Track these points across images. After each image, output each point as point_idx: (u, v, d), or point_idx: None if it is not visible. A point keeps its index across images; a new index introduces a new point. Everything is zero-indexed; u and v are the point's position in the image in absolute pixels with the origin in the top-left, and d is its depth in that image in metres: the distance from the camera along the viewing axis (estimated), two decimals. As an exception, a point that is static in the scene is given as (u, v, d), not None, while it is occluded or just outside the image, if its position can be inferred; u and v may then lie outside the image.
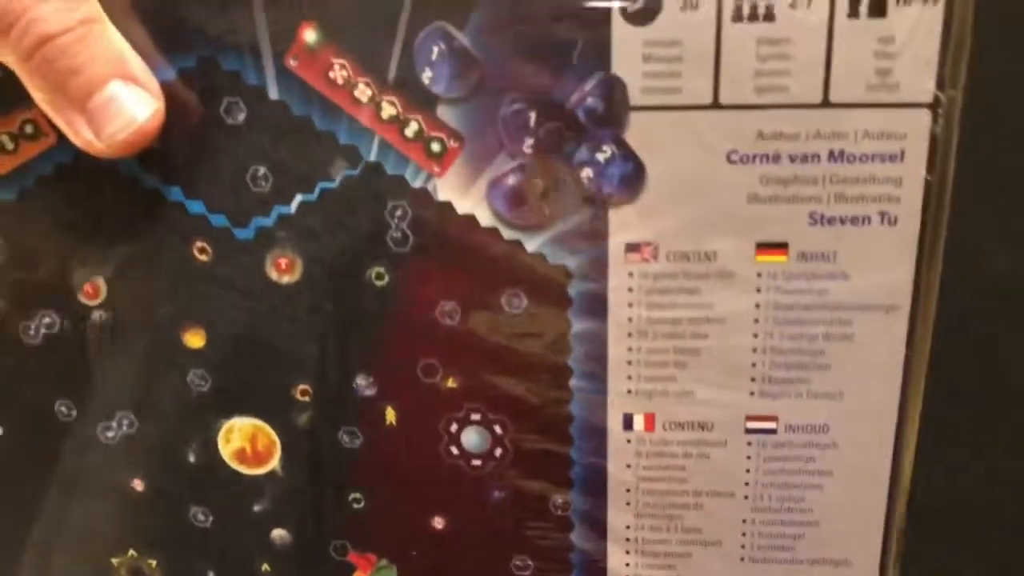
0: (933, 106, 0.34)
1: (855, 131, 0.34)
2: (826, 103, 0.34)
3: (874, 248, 0.36)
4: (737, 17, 0.33)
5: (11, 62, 0.33)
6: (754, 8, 0.33)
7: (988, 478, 0.40)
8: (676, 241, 0.36)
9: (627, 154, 0.35)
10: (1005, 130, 0.35)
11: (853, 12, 0.33)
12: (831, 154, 0.35)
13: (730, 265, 0.36)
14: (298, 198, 0.36)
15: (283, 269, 0.37)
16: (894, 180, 0.35)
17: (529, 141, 0.35)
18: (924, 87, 0.34)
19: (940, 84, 0.33)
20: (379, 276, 0.37)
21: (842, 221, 0.35)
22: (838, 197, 0.35)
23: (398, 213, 0.36)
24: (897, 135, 0.34)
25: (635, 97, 0.34)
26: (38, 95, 0.33)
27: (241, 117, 0.36)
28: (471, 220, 0.36)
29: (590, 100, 0.34)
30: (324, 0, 0.34)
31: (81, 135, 0.34)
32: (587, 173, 0.35)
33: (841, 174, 0.35)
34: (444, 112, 0.35)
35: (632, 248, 0.36)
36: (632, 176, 0.35)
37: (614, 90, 0.34)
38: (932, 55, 0.33)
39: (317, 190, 0.36)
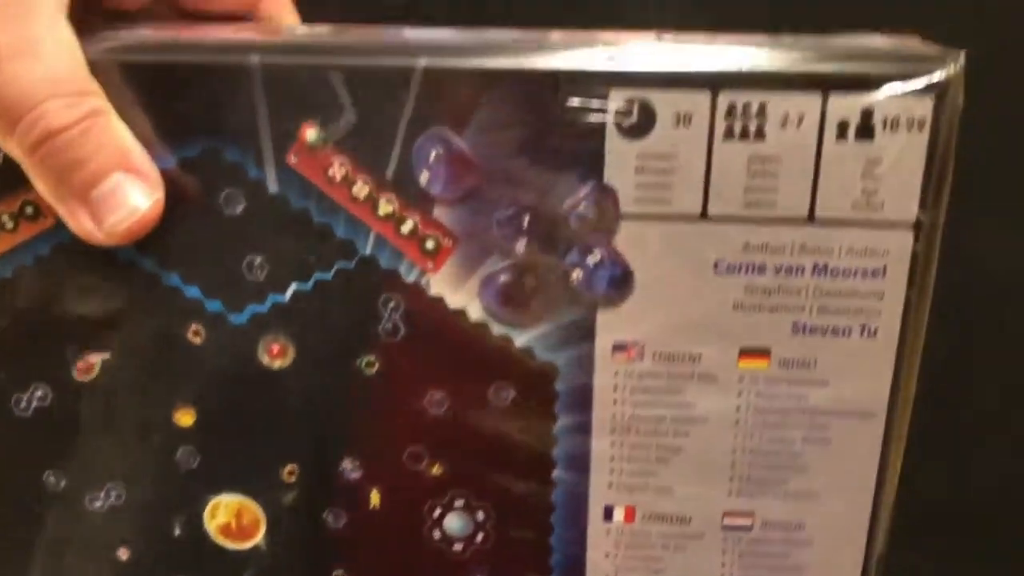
0: (916, 226, 0.35)
1: (840, 247, 0.35)
2: (812, 219, 0.35)
3: (854, 358, 0.37)
4: (728, 134, 0.34)
5: (16, 155, 0.33)
6: (745, 127, 0.34)
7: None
8: (662, 343, 0.37)
9: (616, 259, 0.36)
10: (980, 249, 0.36)
11: (841, 135, 0.34)
12: (815, 267, 0.36)
13: (713, 368, 0.37)
14: (293, 287, 0.37)
15: (275, 354, 0.38)
16: (876, 295, 0.36)
17: (522, 242, 0.36)
18: (908, 208, 0.35)
19: (923, 205, 0.34)
20: (369, 364, 0.38)
21: (824, 331, 0.36)
22: (821, 309, 0.36)
23: (391, 305, 0.37)
24: (880, 252, 0.35)
25: (626, 206, 0.35)
26: (40, 185, 0.34)
27: (240, 208, 0.36)
28: (462, 315, 0.37)
29: (583, 207, 0.35)
30: (326, 102, 0.35)
31: (82, 225, 0.34)
32: (577, 275, 0.36)
33: (824, 287, 0.36)
34: (440, 212, 0.36)
35: (619, 348, 0.37)
36: (620, 280, 0.36)
37: (606, 198, 0.35)
38: (916, 178, 0.34)
39: (312, 280, 0.37)
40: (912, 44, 0.35)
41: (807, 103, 0.34)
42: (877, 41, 0.36)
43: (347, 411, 0.39)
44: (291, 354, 0.38)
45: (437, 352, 0.38)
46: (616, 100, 0.34)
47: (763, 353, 0.37)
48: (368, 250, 0.36)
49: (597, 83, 0.34)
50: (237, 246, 0.37)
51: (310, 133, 0.35)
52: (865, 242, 0.35)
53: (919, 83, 0.33)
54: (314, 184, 0.36)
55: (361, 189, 0.36)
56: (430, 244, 0.36)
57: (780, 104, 0.34)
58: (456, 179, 0.35)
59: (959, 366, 0.38)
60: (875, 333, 0.36)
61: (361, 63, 0.35)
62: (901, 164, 0.34)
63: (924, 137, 0.34)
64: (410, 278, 0.37)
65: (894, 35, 0.37)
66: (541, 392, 0.38)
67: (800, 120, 0.34)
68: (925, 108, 0.33)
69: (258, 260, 0.37)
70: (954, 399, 0.38)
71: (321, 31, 0.39)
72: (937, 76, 0.33)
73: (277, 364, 0.38)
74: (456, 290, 0.37)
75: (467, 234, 0.36)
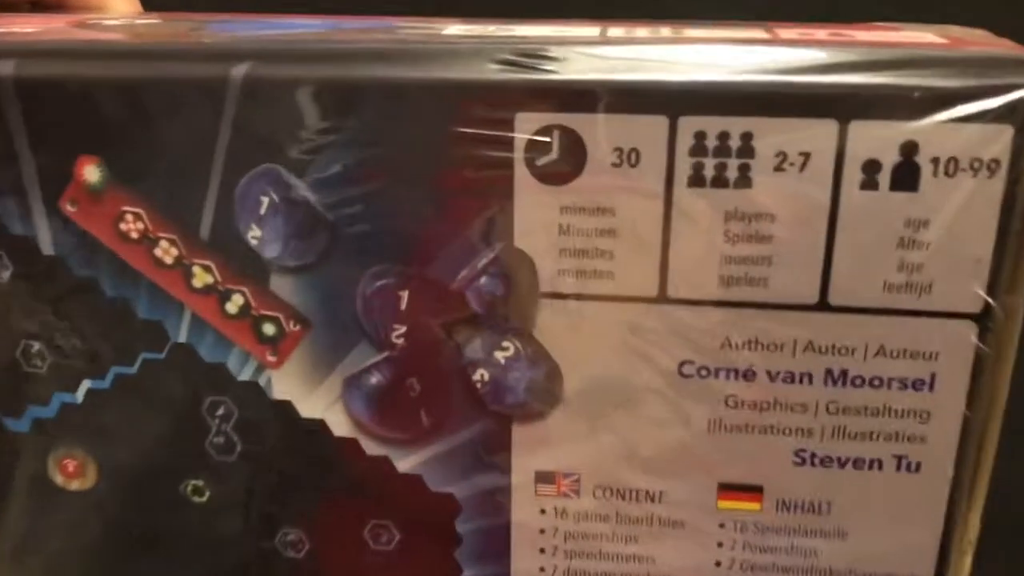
0: (980, 317, 0.23)
1: (865, 345, 0.24)
2: (824, 305, 0.23)
3: (885, 501, 0.25)
4: (696, 181, 0.23)
5: None
6: (721, 169, 0.22)
7: None
8: (606, 473, 0.26)
9: (537, 354, 0.25)
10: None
11: (869, 182, 0.22)
12: (829, 374, 0.24)
13: (681, 511, 0.26)
14: (86, 384, 0.26)
15: (71, 473, 0.27)
16: (919, 414, 0.24)
17: (399, 329, 0.25)
18: (969, 291, 0.23)
19: (992, 288, 0.23)
20: (197, 491, 0.27)
21: (841, 463, 0.25)
22: (837, 431, 0.24)
23: (219, 412, 0.26)
24: (926, 354, 0.23)
25: (547, 280, 0.24)
26: None
27: (6, 275, 0.25)
28: (320, 428, 0.26)
29: (484, 280, 0.24)
30: (111, 128, 0.24)
31: None
32: (482, 375, 0.25)
33: (842, 401, 0.24)
34: (280, 284, 0.25)
35: (544, 478, 0.26)
36: (543, 383, 0.25)
37: (518, 269, 0.24)
38: (983, 245, 0.22)
39: (110, 375, 0.26)
40: (978, 43, 0.24)
41: (816, 134, 0.22)
42: (922, 37, 0.24)
43: (169, 551, 0.28)
44: (92, 473, 0.27)
45: (288, 478, 0.27)
46: (526, 127, 0.23)
47: (753, 491, 0.25)
48: (182, 336, 0.26)
49: (498, 102, 0.23)
50: (8, 328, 0.26)
51: (90, 171, 0.24)
52: (903, 340, 0.23)
53: (991, 103, 0.21)
54: (101, 242, 0.25)
55: (167, 251, 0.25)
56: (269, 329, 0.25)
57: (774, 135, 0.22)
58: (299, 237, 0.24)
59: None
60: (918, 468, 0.24)
61: (156, 73, 0.24)
62: (961, 225, 0.22)
63: (998, 185, 0.22)
64: (244, 375, 0.26)
65: (949, 29, 0.25)
66: (437, 535, 0.27)
67: (805, 160, 0.22)
68: (1001, 142, 0.22)
69: (36, 347, 0.26)
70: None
71: (136, 26, 0.28)
72: (1021, 92, 0.21)
73: (75, 485, 0.28)
74: (309, 393, 0.26)
75: (321, 315, 0.25)
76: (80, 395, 0.27)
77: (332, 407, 0.26)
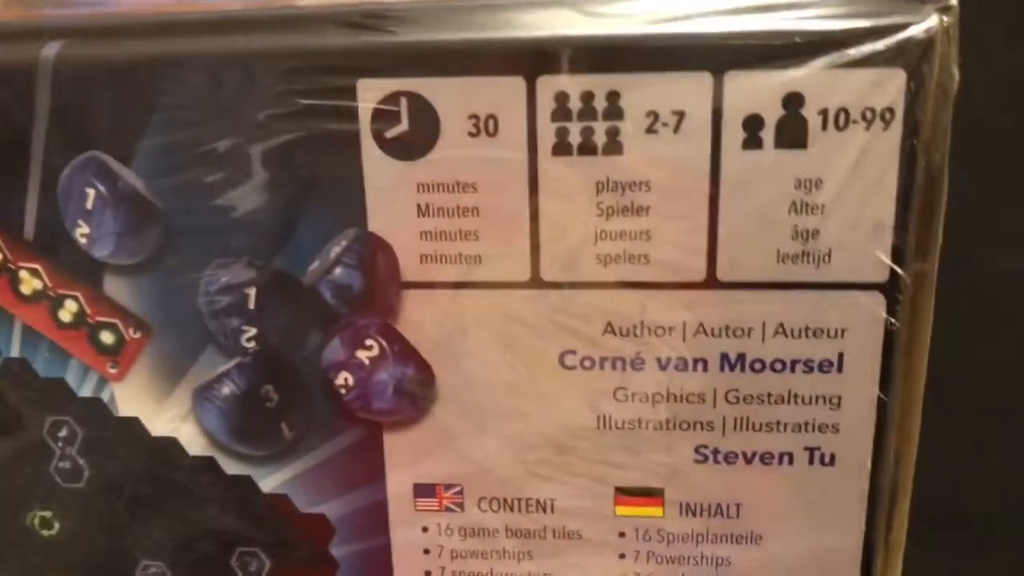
0: (888, 288, 0.21)
1: (762, 324, 0.21)
2: (713, 282, 0.21)
3: (800, 500, 0.22)
4: (561, 148, 0.20)
5: None
6: (588, 135, 0.20)
7: None
8: (491, 482, 0.23)
9: (404, 352, 0.22)
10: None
11: (752, 140, 0.20)
12: (725, 359, 0.21)
13: (577, 520, 0.23)
14: (-87, 408, 0.24)
15: (-95, 509, 0.25)
16: (828, 399, 0.22)
17: (249, 331, 0.22)
18: (872, 258, 0.20)
19: (898, 254, 0.20)
20: (45, 523, 0.24)
21: (747, 459, 0.22)
22: (739, 423, 0.22)
23: (62, 434, 0.24)
24: (831, 332, 0.21)
25: (409, 268, 0.21)
26: None
27: None
28: (173, 446, 0.23)
29: (339, 272, 0.22)
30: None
31: None
32: (345, 379, 0.22)
33: (743, 389, 0.22)
34: (115, 286, 0.22)
35: (424, 491, 0.23)
36: (413, 385, 0.22)
37: (374, 257, 0.21)
38: (884, 208, 0.20)
39: (-62, 397, 0.24)
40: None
41: (689, 89, 0.20)
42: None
43: (21, 592, 0.25)
44: (-72, 509, 0.25)
45: (144, 505, 0.24)
46: (369, 95, 0.20)
47: (653, 495, 0.23)
48: (14, 349, 0.23)
49: (336, 68, 0.20)
50: None
51: None
52: (805, 316, 0.21)
53: (880, 45, 0.19)
54: (-84, 250, 0.22)
55: (-11, 255, 0.22)
56: (107, 337, 0.23)
57: (643, 92, 0.20)
58: (130, 232, 0.22)
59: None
60: (832, 461, 0.22)
61: (-41, 53, 0.21)
62: (858, 184, 0.20)
63: (894, 137, 0.20)
64: (84, 390, 0.23)
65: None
66: (311, 562, 0.24)
67: (680, 119, 0.20)
68: (893, 88, 0.19)
69: None
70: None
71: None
72: (915, 30, 0.19)
73: (-89, 523, 0.25)
74: (158, 408, 0.23)
75: (163, 319, 0.22)
76: (-93, 421, 0.24)
77: (184, 423, 0.23)
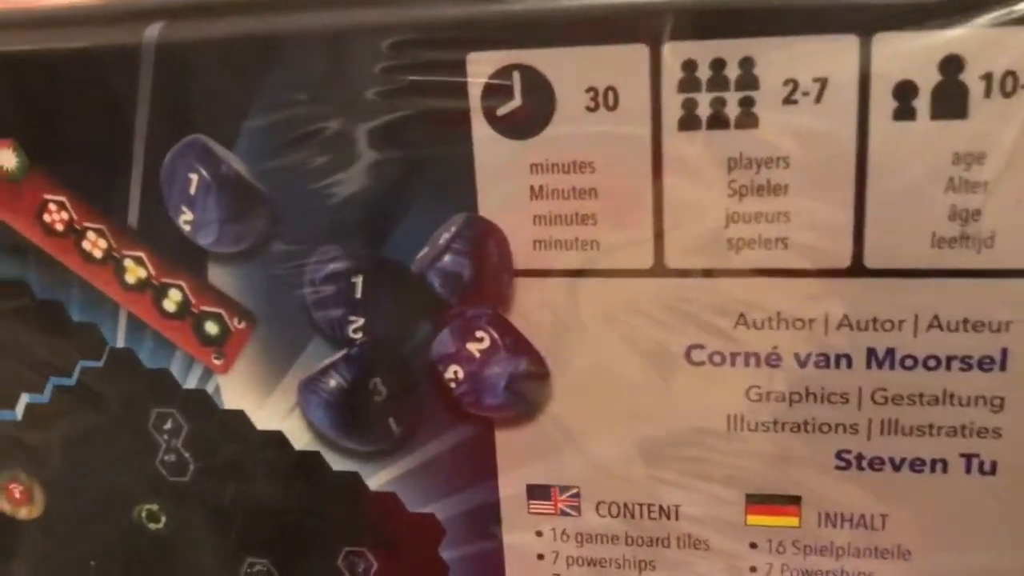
0: (1062, 275, 0.18)
1: (914, 316, 0.19)
2: (859, 269, 0.19)
3: (954, 512, 0.20)
4: (689, 122, 0.19)
5: None
6: (719, 106, 0.18)
7: None
8: (610, 485, 0.21)
9: (517, 344, 0.21)
10: None
11: (904, 111, 0.18)
12: (872, 355, 0.19)
13: (704, 528, 0.21)
14: (24, 399, 0.24)
15: (18, 500, 0.25)
16: (989, 400, 0.19)
17: (356, 321, 0.21)
18: (1044, 241, 0.18)
19: (1076, 236, 0.18)
20: (152, 516, 0.24)
21: (895, 466, 0.20)
22: (887, 426, 0.20)
23: (167, 427, 0.23)
24: (993, 325, 0.19)
25: (522, 255, 0.20)
26: None
27: (-73, 279, 0.23)
28: (279, 440, 0.23)
29: (448, 259, 0.20)
30: (23, 106, 0.21)
31: None
32: (455, 372, 0.21)
33: (892, 388, 0.20)
34: (219, 275, 0.22)
35: (538, 493, 0.22)
36: (527, 379, 0.21)
37: (484, 243, 0.20)
38: (1060, 183, 0.18)
39: (48, 388, 0.23)
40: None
41: (833, 54, 0.18)
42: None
43: (130, 586, 0.25)
44: (39, 499, 0.24)
45: (250, 501, 0.23)
46: (479, 70, 0.19)
47: (789, 503, 0.21)
48: (120, 340, 0.23)
49: (443, 42, 0.19)
50: (-64, 337, 0.24)
51: (5, 156, 0.22)
52: (963, 307, 0.19)
53: (1057, -2, 0.17)
54: (24, 237, 0.22)
55: (95, 243, 0.22)
56: (211, 328, 0.22)
57: (781, 58, 0.18)
58: (235, 219, 0.21)
59: None
60: (993, 469, 0.20)
61: (65, 41, 0.21)
62: (1027, 158, 0.18)
63: (1073, 104, 0.17)
64: (189, 382, 0.23)
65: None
66: (420, 564, 0.23)
67: (822, 88, 0.18)
68: (1072, 47, 0.17)
69: (-33, 359, 0.24)
70: None
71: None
72: (1095, -17, 0.17)
73: (24, 513, 0.25)
74: (263, 401, 0.22)
75: (268, 309, 0.22)
76: (19, 411, 0.24)
77: (290, 416, 0.22)
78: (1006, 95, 0.17)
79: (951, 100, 0.18)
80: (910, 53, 0.17)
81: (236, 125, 0.20)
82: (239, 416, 0.22)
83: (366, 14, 0.19)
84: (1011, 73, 0.17)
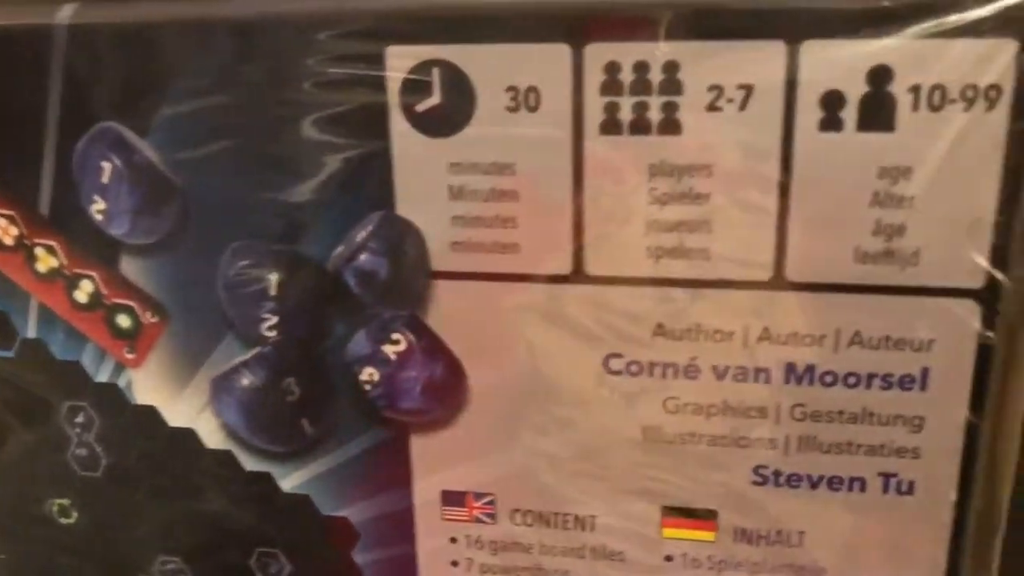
0: (984, 295, 0.18)
1: (835, 331, 0.19)
2: (781, 282, 0.18)
3: (871, 532, 0.20)
4: (611, 126, 0.18)
5: None
6: (642, 110, 0.18)
7: None
8: (526, 493, 0.21)
9: (433, 347, 0.20)
10: None
11: (831, 121, 0.17)
12: (791, 370, 0.19)
13: (618, 540, 0.21)
14: (-69, 387, 0.23)
15: (-75, 489, 0.24)
16: (909, 420, 0.19)
17: (270, 319, 0.21)
18: (967, 260, 0.18)
19: (998, 257, 0.18)
20: (63, 511, 0.23)
21: (812, 483, 0.20)
22: (804, 443, 0.19)
23: (79, 420, 0.22)
24: (915, 343, 0.18)
25: (439, 256, 0.20)
26: None
27: None
28: (190, 438, 0.22)
29: (364, 258, 0.20)
30: (-72, 81, 0.20)
31: None
32: (370, 374, 0.21)
33: (811, 404, 0.19)
34: (132, 267, 0.21)
35: (452, 499, 0.21)
36: (443, 384, 0.20)
37: (402, 243, 0.20)
38: (984, 202, 0.17)
39: (-43, 377, 0.23)
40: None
41: (760, 60, 0.17)
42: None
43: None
44: (-53, 490, 0.24)
45: (161, 496, 0.23)
46: (399, 64, 0.18)
47: (705, 517, 0.20)
48: (31, 330, 0.22)
49: (363, 33, 0.18)
50: None
51: (-89, 136, 0.21)
52: (885, 324, 0.18)
53: (986, 11, 0.16)
54: (-69, 222, 0.21)
55: (6, 230, 0.21)
56: (124, 320, 0.21)
57: (706, 63, 0.17)
58: (147, 211, 0.20)
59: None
60: (910, 489, 0.19)
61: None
62: (954, 174, 0.17)
63: (1000, 119, 0.17)
64: (101, 375, 0.22)
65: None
66: (332, 566, 0.22)
67: (747, 95, 0.17)
68: (1001, 61, 0.17)
69: None
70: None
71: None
72: (1025, -2, 0.16)
73: (-68, 504, 0.24)
74: (175, 397, 0.22)
75: (180, 304, 0.21)
76: (-74, 400, 0.23)
77: (202, 413, 0.22)
78: (934, 109, 0.17)
79: (878, 112, 0.17)
80: (838, 62, 0.17)
81: (150, 114, 0.20)
82: (151, 412, 0.22)
83: (284, 3, 0.19)
84: (939, 87, 0.17)
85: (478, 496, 0.21)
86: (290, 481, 0.22)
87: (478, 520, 0.21)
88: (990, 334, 0.18)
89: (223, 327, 0.21)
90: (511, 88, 0.18)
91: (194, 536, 0.23)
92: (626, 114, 0.18)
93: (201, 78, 0.19)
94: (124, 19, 0.19)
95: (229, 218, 0.20)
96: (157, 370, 0.22)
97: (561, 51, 0.18)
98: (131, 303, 0.21)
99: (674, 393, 0.20)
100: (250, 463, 0.22)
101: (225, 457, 0.22)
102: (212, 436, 0.22)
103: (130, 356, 0.22)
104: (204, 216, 0.20)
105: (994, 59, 0.17)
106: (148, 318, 0.21)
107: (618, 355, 0.20)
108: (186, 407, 0.22)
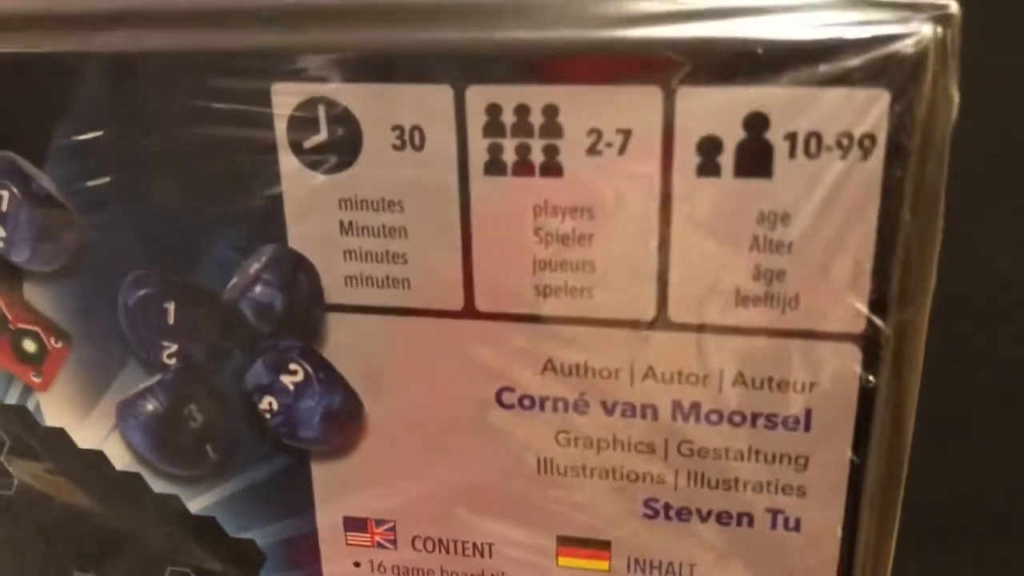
0: (866, 340, 0.18)
1: (719, 371, 0.19)
2: (665, 322, 0.18)
3: (761, 566, 0.20)
4: (494, 167, 0.18)
5: None
6: (524, 153, 0.18)
7: None
8: (425, 520, 0.21)
9: (330, 379, 0.20)
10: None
11: (708, 166, 0.17)
12: (678, 408, 0.19)
13: (516, 567, 0.21)
14: None
15: None
16: (793, 459, 0.19)
17: (170, 347, 0.21)
18: (847, 305, 0.18)
19: (878, 303, 0.18)
20: (-22, 528, 0.24)
21: (702, 516, 0.20)
22: (694, 478, 0.20)
23: (-10, 441, 0.23)
24: (797, 386, 0.18)
25: (333, 289, 0.20)
26: None
27: None
28: (100, 458, 0.22)
29: (259, 290, 0.20)
30: None
31: None
32: (270, 403, 0.21)
33: (698, 440, 0.19)
34: (34, 293, 0.21)
35: (355, 525, 0.22)
36: (341, 413, 0.21)
37: (295, 275, 0.20)
38: (862, 248, 0.17)
39: None
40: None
41: (637, 105, 0.17)
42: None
43: (-41, 595, 0.25)
44: None
45: (71, 519, 0.23)
46: (284, 101, 0.18)
47: (599, 547, 0.21)
48: (-61, 353, 0.22)
49: (249, 70, 0.18)
50: None
51: None
52: (768, 366, 0.18)
53: (859, 60, 0.16)
54: None
55: (-90, 254, 0.21)
56: (29, 345, 0.22)
57: (585, 107, 0.17)
58: (47, 238, 0.20)
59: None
60: (797, 526, 0.19)
61: None
62: (831, 220, 0.17)
63: (875, 167, 0.17)
64: (10, 398, 0.22)
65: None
66: (241, 587, 0.23)
67: (626, 139, 0.17)
68: (875, 111, 0.16)
69: None
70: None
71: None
72: (901, 44, 0.16)
73: None
74: (83, 419, 0.22)
75: (83, 330, 0.21)
76: None
77: (110, 436, 0.22)
78: (810, 156, 0.17)
79: (756, 158, 0.17)
80: (714, 108, 0.17)
81: (46, 143, 0.20)
82: (60, 434, 0.22)
83: (174, 36, 0.19)
84: (815, 134, 0.17)
85: (379, 522, 0.21)
86: (197, 503, 0.22)
87: (380, 545, 0.22)
88: (871, 378, 0.18)
89: (125, 354, 0.21)
90: (396, 127, 0.18)
91: (107, 554, 0.23)
92: (509, 155, 0.18)
93: (92, 110, 0.19)
94: (14, 49, 0.19)
95: (127, 247, 0.20)
96: (64, 394, 0.22)
97: (443, 91, 0.18)
98: (36, 328, 0.21)
99: (565, 427, 0.20)
100: (158, 485, 0.22)
101: (134, 479, 0.22)
102: (120, 458, 0.22)
103: (37, 380, 0.22)
104: (103, 245, 0.20)
105: (868, 109, 0.16)
106: (53, 343, 0.21)
107: (510, 389, 0.20)
108: (94, 430, 0.22)
